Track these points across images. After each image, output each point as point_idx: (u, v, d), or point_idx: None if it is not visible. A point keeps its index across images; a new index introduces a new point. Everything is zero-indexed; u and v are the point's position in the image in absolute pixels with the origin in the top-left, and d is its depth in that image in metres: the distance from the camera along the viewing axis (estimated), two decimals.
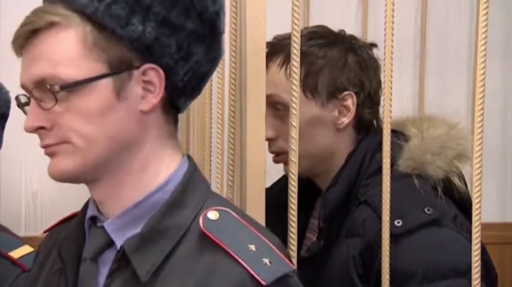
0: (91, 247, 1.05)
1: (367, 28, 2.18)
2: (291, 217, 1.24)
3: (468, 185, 1.45)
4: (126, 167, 1.04)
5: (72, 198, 1.59)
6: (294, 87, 1.25)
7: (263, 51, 1.26)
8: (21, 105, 1.06)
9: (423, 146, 1.48)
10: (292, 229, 1.25)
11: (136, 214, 1.04)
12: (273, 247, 1.02)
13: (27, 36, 1.01)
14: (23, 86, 1.03)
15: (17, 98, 1.06)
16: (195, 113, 1.72)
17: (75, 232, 1.10)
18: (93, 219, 1.08)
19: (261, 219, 1.22)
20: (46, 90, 0.99)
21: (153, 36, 1.00)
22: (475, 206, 1.15)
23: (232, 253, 0.98)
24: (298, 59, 1.25)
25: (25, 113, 1.04)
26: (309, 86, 1.51)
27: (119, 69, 1.00)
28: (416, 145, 1.49)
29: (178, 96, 1.07)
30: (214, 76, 1.31)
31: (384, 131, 1.29)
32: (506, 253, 2.27)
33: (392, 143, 1.30)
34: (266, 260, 0.99)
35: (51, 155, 1.03)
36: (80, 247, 1.07)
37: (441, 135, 1.50)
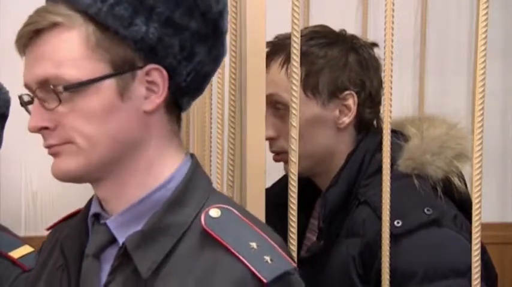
0: (94, 243, 1.06)
1: (367, 28, 2.18)
2: (291, 217, 1.25)
3: (468, 185, 1.45)
4: (130, 167, 1.04)
5: (72, 198, 1.59)
6: (294, 88, 1.25)
7: (263, 51, 1.26)
8: (24, 105, 1.06)
9: (423, 146, 1.48)
10: (292, 229, 1.25)
11: (138, 211, 1.04)
12: (275, 244, 1.02)
13: (30, 36, 1.01)
14: (27, 86, 1.03)
15: (20, 97, 1.06)
16: (195, 113, 1.72)
17: (78, 229, 1.10)
18: (97, 216, 1.09)
19: (261, 219, 1.22)
20: (49, 91, 0.99)
21: (156, 37, 1.00)
22: (475, 206, 1.15)
23: (233, 250, 0.99)
24: (298, 59, 1.25)
25: (28, 112, 1.04)
26: (310, 86, 1.51)
27: (122, 69, 1.00)
28: (416, 145, 1.49)
29: (181, 96, 1.07)
30: (214, 76, 1.31)
31: (384, 131, 1.29)
32: (506, 253, 2.27)
33: (392, 143, 1.30)
34: (267, 258, 0.99)
35: (54, 155, 1.03)
36: (82, 244, 1.08)
37: (441, 136, 1.50)
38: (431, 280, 1.35)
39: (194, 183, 1.07)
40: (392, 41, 1.28)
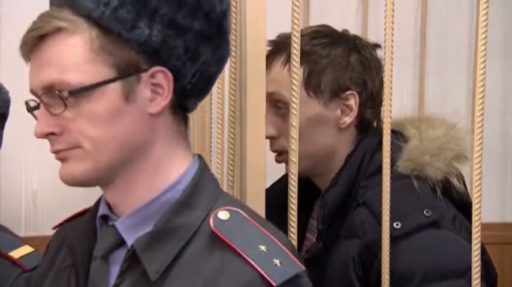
0: (102, 245, 1.06)
1: (367, 28, 2.18)
2: (291, 217, 1.25)
3: (468, 185, 1.45)
4: (138, 170, 1.04)
5: (72, 198, 1.59)
6: (294, 88, 1.25)
7: (263, 51, 1.26)
8: (30, 110, 1.06)
9: (422, 147, 1.48)
10: (292, 229, 1.25)
11: (147, 213, 1.04)
12: (284, 248, 1.02)
13: (34, 42, 1.01)
14: (32, 92, 1.03)
15: (26, 102, 1.06)
16: (195, 113, 1.72)
17: (87, 230, 1.10)
18: (105, 217, 1.09)
19: None
20: (55, 96, 0.99)
21: (160, 39, 1.00)
22: (475, 206, 1.15)
23: (242, 253, 0.98)
24: (298, 60, 1.25)
25: (35, 117, 1.04)
26: (311, 85, 1.51)
27: (126, 72, 1.00)
28: (415, 145, 1.48)
29: (187, 98, 1.07)
30: None
31: (384, 131, 1.29)
32: (506, 253, 2.27)
33: (391, 144, 1.30)
34: (277, 261, 0.99)
35: (62, 160, 1.03)
36: (91, 245, 1.08)
37: (440, 137, 1.50)
38: (430, 281, 1.35)
39: (202, 185, 1.06)
40: (392, 41, 1.28)
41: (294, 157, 1.25)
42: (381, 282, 1.30)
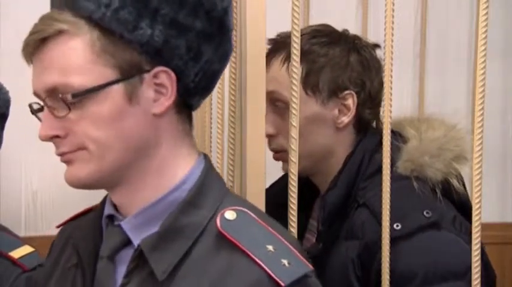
0: (108, 245, 1.06)
1: (367, 28, 2.18)
2: (291, 217, 1.25)
3: (468, 185, 1.45)
4: (143, 170, 1.04)
5: (73, 198, 1.59)
6: (294, 88, 1.25)
7: (263, 51, 1.26)
8: (34, 113, 1.06)
9: (421, 148, 1.48)
10: (292, 229, 1.25)
11: (153, 213, 1.04)
12: (292, 247, 1.02)
13: (36, 45, 1.01)
14: (36, 94, 1.03)
15: (30, 105, 1.06)
16: (195, 113, 1.70)
17: (92, 230, 1.10)
18: (110, 217, 1.09)
19: None
20: (58, 99, 0.99)
21: (161, 39, 1.00)
22: (475, 207, 1.15)
23: (250, 253, 0.98)
24: (298, 59, 1.25)
25: (39, 119, 1.04)
26: (310, 84, 1.50)
27: (129, 74, 1.00)
28: (414, 146, 1.48)
29: (190, 96, 1.07)
30: None
31: (384, 132, 1.29)
32: (506, 253, 2.27)
33: (390, 145, 1.30)
34: (285, 261, 0.99)
35: (67, 162, 1.03)
36: (97, 245, 1.08)
37: (439, 137, 1.50)
38: (430, 282, 1.34)
39: (208, 184, 1.06)
40: (392, 41, 1.28)
41: (294, 157, 1.25)
42: (380, 282, 1.30)
